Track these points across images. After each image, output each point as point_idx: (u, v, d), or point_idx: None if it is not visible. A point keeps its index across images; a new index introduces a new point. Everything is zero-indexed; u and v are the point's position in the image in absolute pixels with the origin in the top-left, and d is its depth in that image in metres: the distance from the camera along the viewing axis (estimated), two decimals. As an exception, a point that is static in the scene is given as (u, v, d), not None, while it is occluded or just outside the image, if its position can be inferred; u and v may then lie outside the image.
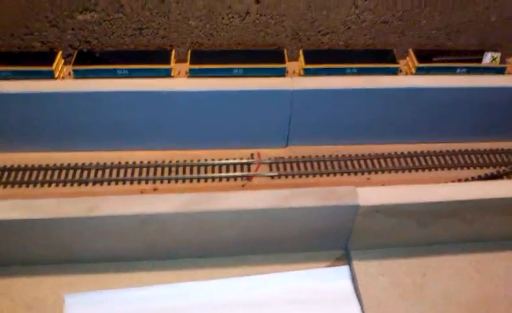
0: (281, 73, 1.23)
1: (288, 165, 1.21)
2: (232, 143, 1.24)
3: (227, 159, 1.21)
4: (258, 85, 1.16)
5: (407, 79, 1.25)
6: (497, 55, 1.43)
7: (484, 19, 1.71)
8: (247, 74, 1.22)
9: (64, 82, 1.18)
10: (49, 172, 1.16)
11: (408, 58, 1.43)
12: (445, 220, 0.98)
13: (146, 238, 0.94)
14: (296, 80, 1.17)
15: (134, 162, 1.19)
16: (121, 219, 0.89)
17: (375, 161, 1.25)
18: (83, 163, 1.17)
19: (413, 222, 0.98)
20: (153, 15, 1.56)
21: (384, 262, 1.01)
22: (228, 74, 1.22)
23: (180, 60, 1.46)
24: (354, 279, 0.98)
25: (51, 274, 0.96)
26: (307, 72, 1.25)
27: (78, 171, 1.17)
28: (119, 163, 1.19)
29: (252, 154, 1.24)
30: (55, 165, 1.18)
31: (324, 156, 1.24)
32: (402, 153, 1.28)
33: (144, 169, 1.18)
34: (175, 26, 1.60)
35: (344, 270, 0.96)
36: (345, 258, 1.02)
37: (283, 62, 1.26)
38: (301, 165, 1.22)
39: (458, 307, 0.95)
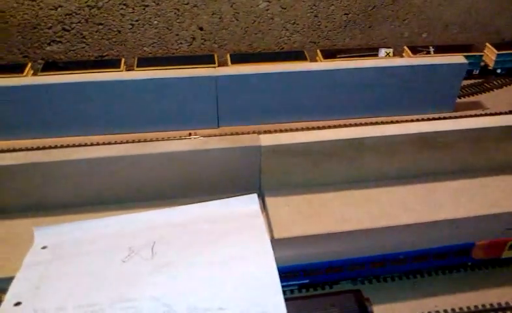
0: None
1: (219, 142, 1.46)
2: (173, 126, 1.49)
3: (168, 138, 1.47)
4: (188, 73, 1.43)
5: (309, 64, 1.55)
6: (390, 50, 1.75)
7: (398, 35, 2.05)
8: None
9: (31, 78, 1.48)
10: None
11: (317, 57, 1.75)
12: (331, 158, 1.23)
13: (97, 183, 1.18)
14: (219, 68, 1.46)
15: (86, 143, 1.44)
16: (71, 163, 1.13)
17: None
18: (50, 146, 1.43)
19: (308, 160, 1.22)
20: (111, 44, 1.87)
21: (289, 197, 1.23)
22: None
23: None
24: (265, 209, 1.22)
25: (25, 217, 1.17)
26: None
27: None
28: (73, 145, 1.44)
29: (190, 134, 1.50)
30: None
31: (248, 132, 1.50)
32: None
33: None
34: (132, 52, 1.91)
35: (253, 197, 1.20)
36: (259, 196, 1.26)
37: (214, 63, 1.56)
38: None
39: (350, 222, 1.16)
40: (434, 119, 1.49)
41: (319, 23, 1.95)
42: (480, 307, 1.03)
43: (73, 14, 1.74)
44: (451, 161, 1.28)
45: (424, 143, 1.23)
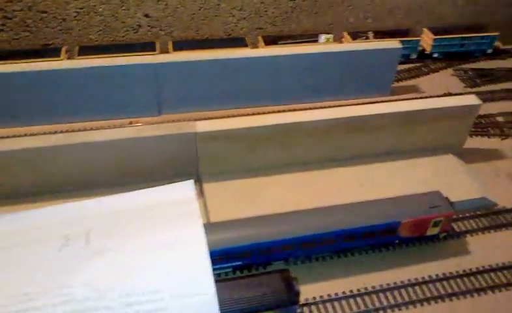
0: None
1: (160, 129, 1.47)
2: (114, 114, 1.49)
3: (108, 127, 1.47)
4: (127, 61, 1.43)
5: (249, 51, 1.57)
6: (330, 36, 1.79)
7: (343, 21, 2.09)
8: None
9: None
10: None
11: (258, 44, 1.77)
12: (266, 143, 1.27)
13: (32, 173, 1.17)
14: (159, 56, 1.46)
15: (26, 134, 1.42)
16: (5, 154, 1.12)
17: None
18: None
19: (244, 145, 1.25)
20: (56, 32, 1.85)
21: (227, 182, 1.26)
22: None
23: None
24: (203, 194, 1.25)
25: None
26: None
27: None
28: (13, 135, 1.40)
29: (131, 122, 1.51)
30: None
31: (190, 119, 1.52)
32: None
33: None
34: (77, 41, 1.89)
35: (188, 183, 1.22)
36: (198, 182, 1.28)
37: (155, 50, 1.57)
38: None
39: (287, 205, 1.17)
40: (371, 102, 1.54)
41: (266, 10, 1.97)
42: (406, 282, 1.08)
43: (15, 1, 1.72)
44: (384, 143, 1.33)
45: (357, 126, 1.28)
